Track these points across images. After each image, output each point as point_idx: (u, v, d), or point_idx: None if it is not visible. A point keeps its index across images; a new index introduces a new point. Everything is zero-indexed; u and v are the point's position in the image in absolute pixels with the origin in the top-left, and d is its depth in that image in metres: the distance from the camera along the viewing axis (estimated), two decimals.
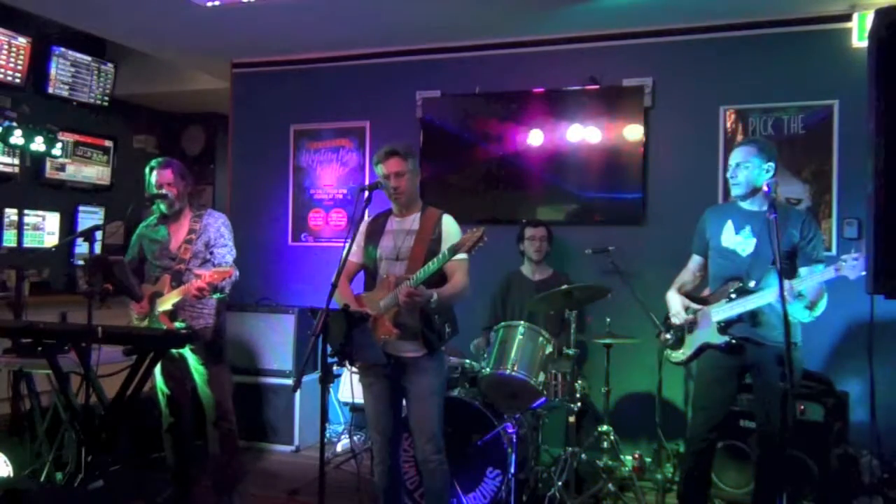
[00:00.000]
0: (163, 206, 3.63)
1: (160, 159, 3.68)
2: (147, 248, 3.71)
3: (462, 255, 2.91)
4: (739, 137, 4.54)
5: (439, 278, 3.02)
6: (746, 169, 3.14)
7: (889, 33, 1.77)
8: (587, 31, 4.89)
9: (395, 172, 3.09)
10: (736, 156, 3.19)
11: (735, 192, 3.22)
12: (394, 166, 3.09)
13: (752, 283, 3.11)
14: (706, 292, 3.37)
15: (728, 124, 4.66)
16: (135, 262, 3.75)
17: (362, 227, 3.23)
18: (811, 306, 3.02)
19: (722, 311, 3.18)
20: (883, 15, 1.79)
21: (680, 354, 3.39)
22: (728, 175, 3.23)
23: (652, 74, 4.81)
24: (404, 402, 3.21)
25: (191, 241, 3.59)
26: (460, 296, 3.10)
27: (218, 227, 3.67)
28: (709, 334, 3.22)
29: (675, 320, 3.38)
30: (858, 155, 4.06)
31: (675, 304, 3.39)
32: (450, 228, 3.12)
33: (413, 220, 3.16)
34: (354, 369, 3.29)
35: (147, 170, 3.66)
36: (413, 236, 3.10)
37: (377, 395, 3.16)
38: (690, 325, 3.33)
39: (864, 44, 2.14)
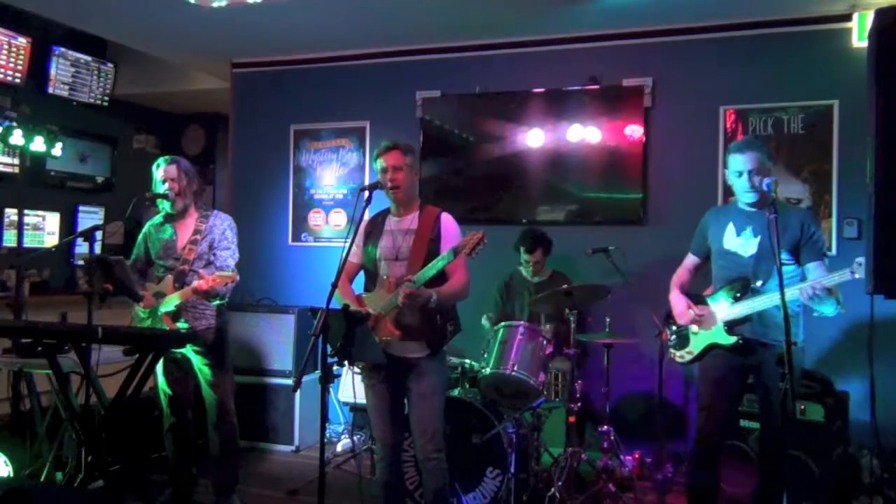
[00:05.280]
0: (167, 205, 3.62)
1: (169, 157, 3.68)
2: (152, 247, 3.70)
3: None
4: (739, 137, 4.53)
5: (440, 277, 3.01)
6: (759, 174, 3.02)
7: (889, 33, 1.77)
8: (587, 31, 4.89)
9: (392, 166, 3.08)
10: (744, 163, 3.05)
11: (749, 199, 3.11)
12: (392, 160, 3.08)
13: (758, 284, 3.10)
14: (707, 292, 3.36)
15: (728, 124, 4.66)
16: (141, 260, 3.75)
17: (361, 228, 3.22)
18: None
19: (729, 311, 3.16)
20: (883, 15, 1.79)
21: (686, 354, 3.37)
22: (729, 182, 3.18)
23: (652, 74, 4.81)
24: (405, 401, 3.21)
25: (196, 242, 3.59)
26: (461, 294, 3.09)
27: (224, 229, 3.66)
28: (716, 335, 3.20)
29: (681, 321, 3.35)
30: (858, 155, 4.04)
31: (680, 304, 3.35)
32: (449, 227, 3.12)
33: (412, 220, 3.15)
34: (357, 370, 3.29)
35: (154, 166, 3.65)
36: (412, 236, 3.09)
37: (379, 395, 3.17)
38: (695, 326, 3.32)
39: (864, 44, 2.13)
